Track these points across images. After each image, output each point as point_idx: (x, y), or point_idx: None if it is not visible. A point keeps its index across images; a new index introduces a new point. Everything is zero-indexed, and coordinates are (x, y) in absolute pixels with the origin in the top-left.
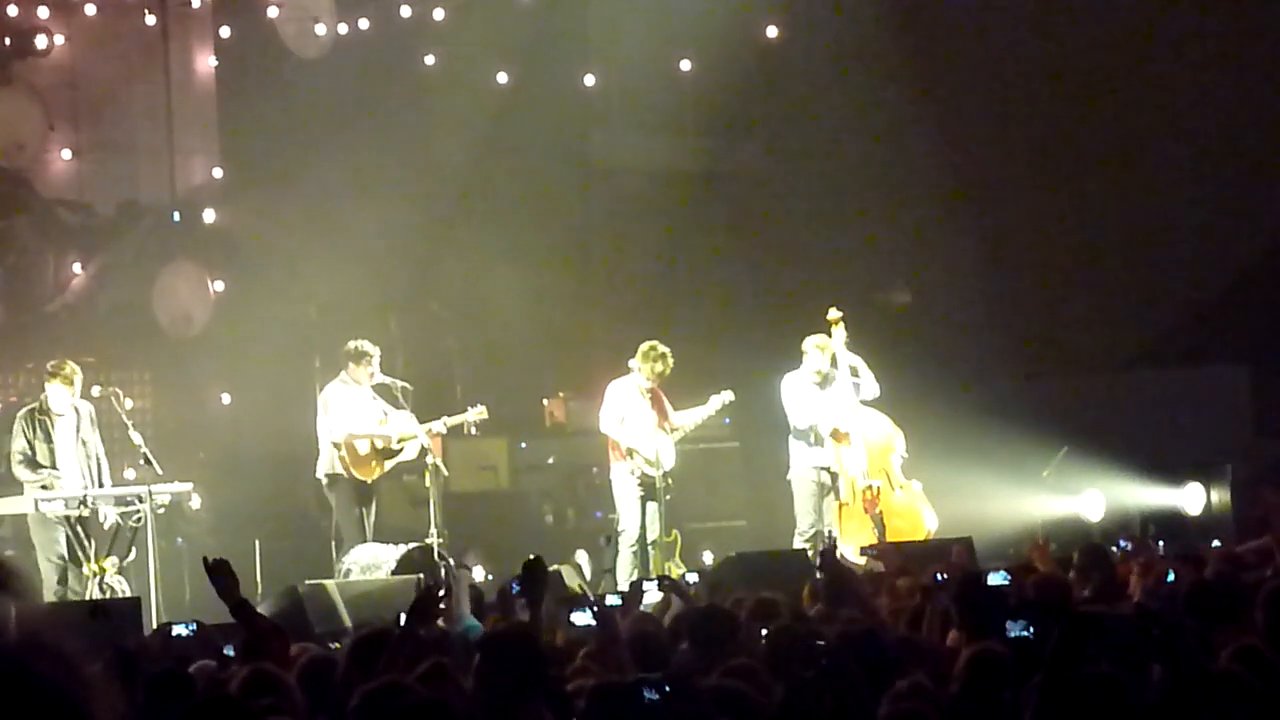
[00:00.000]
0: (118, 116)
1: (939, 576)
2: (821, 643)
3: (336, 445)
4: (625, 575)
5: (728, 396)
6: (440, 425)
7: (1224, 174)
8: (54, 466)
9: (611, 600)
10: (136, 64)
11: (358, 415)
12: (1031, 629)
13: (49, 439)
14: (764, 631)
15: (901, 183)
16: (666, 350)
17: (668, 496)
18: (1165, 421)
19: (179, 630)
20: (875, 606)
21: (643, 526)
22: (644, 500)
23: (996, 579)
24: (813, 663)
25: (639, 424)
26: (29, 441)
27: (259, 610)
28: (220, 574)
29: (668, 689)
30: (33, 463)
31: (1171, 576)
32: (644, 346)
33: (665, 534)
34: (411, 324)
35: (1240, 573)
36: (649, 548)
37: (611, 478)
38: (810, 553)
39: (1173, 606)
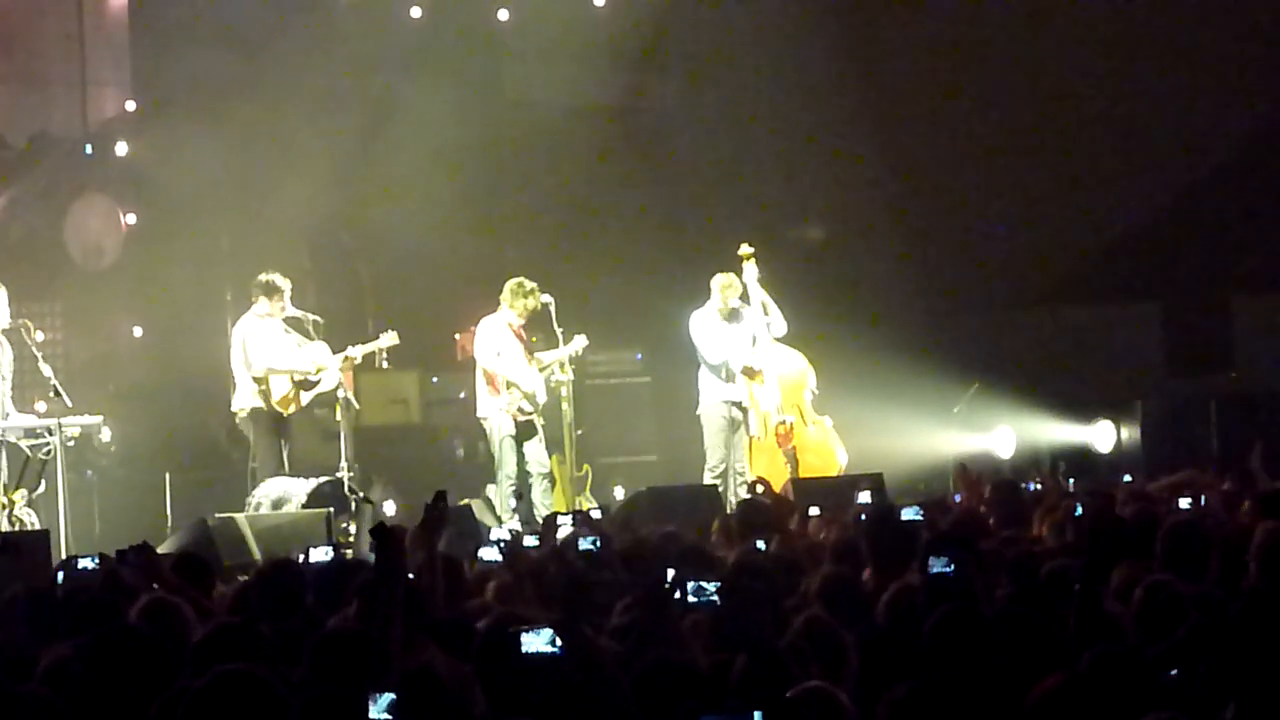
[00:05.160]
0: (29, 48)
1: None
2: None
3: (257, 380)
4: (504, 510)
5: (583, 341)
6: (355, 352)
7: (1138, 113)
8: None
9: (529, 540)
10: None
11: (275, 348)
12: (952, 566)
13: None
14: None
15: (815, 119)
16: (535, 286)
17: (578, 430)
18: (1076, 359)
19: (84, 563)
20: (794, 538)
21: (521, 461)
22: (518, 438)
23: (909, 514)
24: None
25: (513, 359)
26: None
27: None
28: None
29: (565, 635)
30: None
31: (1079, 511)
32: (512, 283)
33: (576, 468)
34: (323, 257)
35: (1152, 508)
36: (544, 480)
37: (483, 414)
38: (720, 488)
39: (1079, 542)
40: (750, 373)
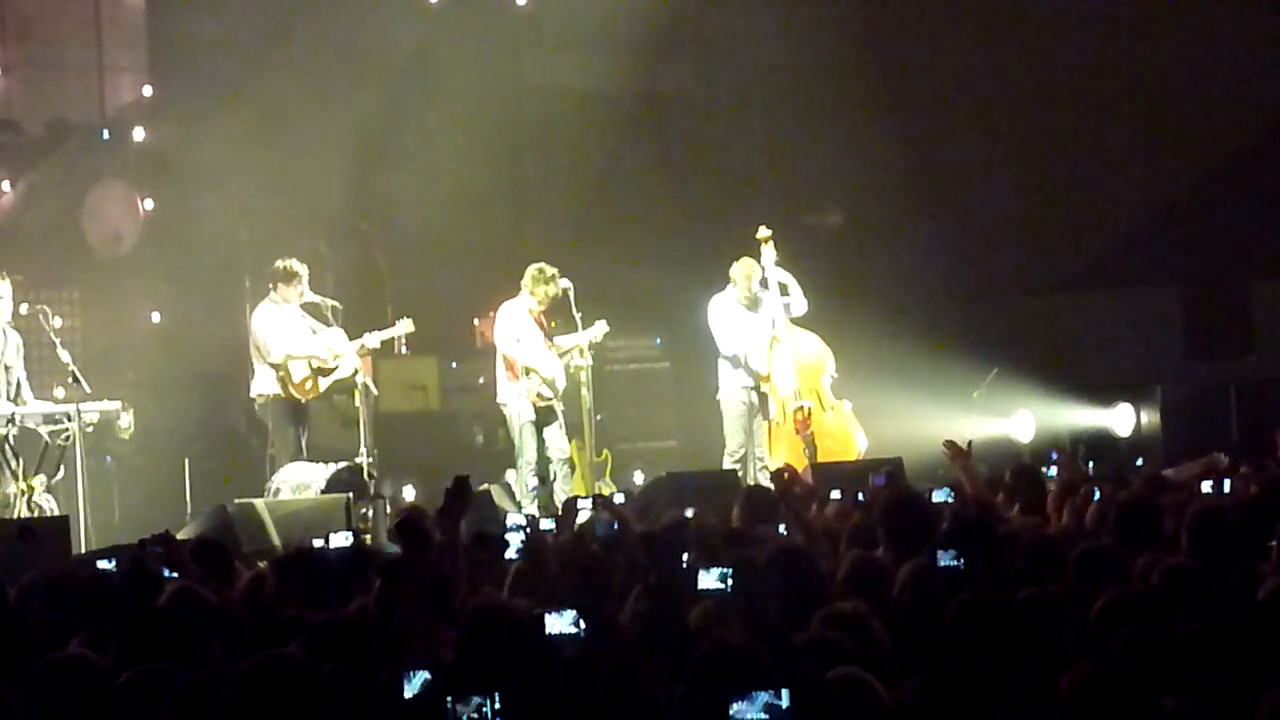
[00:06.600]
0: (47, 34)
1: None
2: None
3: (275, 366)
4: (525, 496)
5: (603, 327)
6: (374, 339)
7: (1157, 97)
8: None
9: (546, 524)
10: None
11: (292, 335)
12: (961, 560)
13: None
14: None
15: (834, 103)
16: (555, 272)
17: (598, 416)
18: (1096, 343)
19: (102, 565)
20: (811, 525)
21: (541, 446)
22: (537, 424)
23: (940, 495)
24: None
25: (532, 344)
26: None
27: (186, 529)
28: None
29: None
30: None
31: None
32: (532, 269)
33: (596, 454)
34: (341, 243)
35: (1162, 494)
36: (564, 465)
37: (502, 400)
38: (740, 473)
39: (1096, 527)
40: (760, 378)
